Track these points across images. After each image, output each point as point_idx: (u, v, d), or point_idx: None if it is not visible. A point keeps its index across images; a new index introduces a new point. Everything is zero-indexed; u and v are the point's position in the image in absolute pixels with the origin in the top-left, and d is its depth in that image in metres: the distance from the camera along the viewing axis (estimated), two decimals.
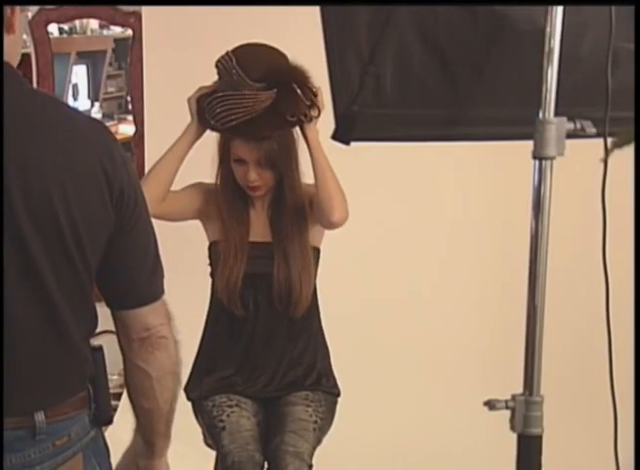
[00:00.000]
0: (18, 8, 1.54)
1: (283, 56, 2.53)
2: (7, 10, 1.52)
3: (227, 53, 2.51)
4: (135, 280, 1.69)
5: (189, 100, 2.60)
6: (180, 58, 3.87)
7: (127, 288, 1.70)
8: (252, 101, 2.46)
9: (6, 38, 1.54)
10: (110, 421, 1.72)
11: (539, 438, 1.84)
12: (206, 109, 2.53)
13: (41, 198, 1.49)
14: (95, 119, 1.67)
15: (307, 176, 2.67)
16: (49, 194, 1.49)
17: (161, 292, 1.73)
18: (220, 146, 2.67)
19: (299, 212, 2.66)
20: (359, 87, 2.00)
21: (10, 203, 1.47)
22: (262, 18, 3.66)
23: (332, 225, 2.57)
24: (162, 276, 1.74)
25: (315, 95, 2.50)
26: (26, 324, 1.53)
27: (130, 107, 4.72)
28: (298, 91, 2.46)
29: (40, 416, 1.57)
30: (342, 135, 2.21)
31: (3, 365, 1.52)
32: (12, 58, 1.56)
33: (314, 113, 2.51)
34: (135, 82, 4.31)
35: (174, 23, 3.82)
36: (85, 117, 1.63)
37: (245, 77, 2.46)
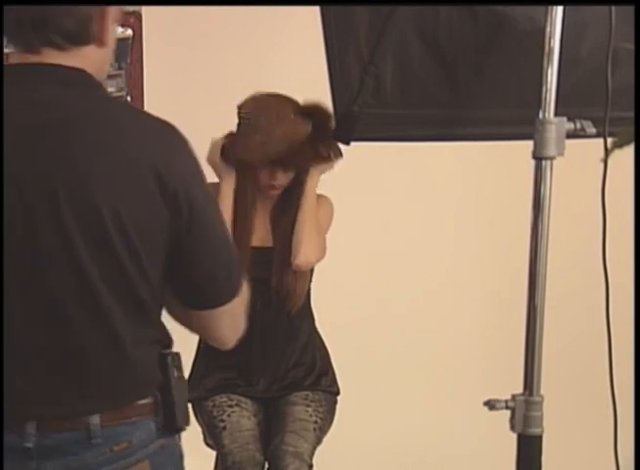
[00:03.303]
0: (109, 20, 1.58)
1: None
2: (95, 23, 1.55)
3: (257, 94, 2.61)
4: (204, 284, 1.64)
5: (211, 160, 2.62)
6: (180, 58, 3.87)
7: (195, 292, 1.65)
8: (292, 129, 2.54)
9: (94, 50, 1.57)
10: (177, 430, 1.66)
11: (539, 438, 1.84)
12: (238, 142, 2.57)
13: (88, 202, 1.49)
14: (161, 122, 1.60)
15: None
16: (96, 202, 1.49)
17: (229, 297, 1.66)
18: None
19: None
20: (359, 87, 2.00)
21: (57, 209, 1.48)
22: (262, 18, 3.66)
23: (295, 267, 2.62)
24: (232, 280, 1.66)
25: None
26: (77, 326, 1.52)
27: None
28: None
29: (95, 420, 1.54)
30: (342, 135, 2.21)
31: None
32: (97, 70, 1.59)
33: (337, 156, 2.60)
34: (135, 82, 4.31)
35: (174, 23, 3.82)
36: (150, 120, 1.59)
37: (284, 107, 2.55)
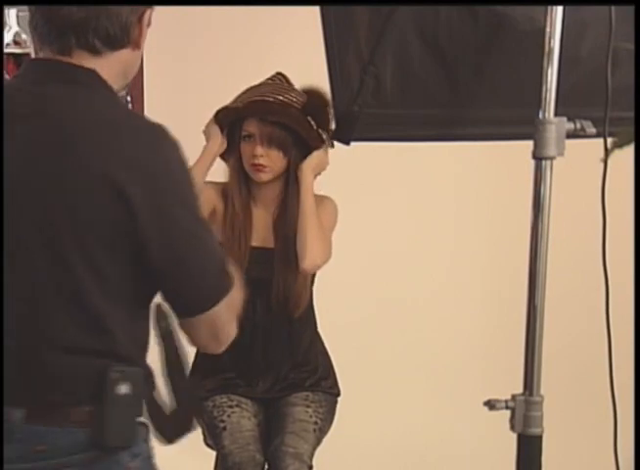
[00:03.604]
0: (145, 24, 1.63)
1: None
2: (134, 28, 1.61)
3: None
4: (173, 291, 1.61)
5: (207, 127, 2.63)
6: (180, 58, 3.87)
7: (169, 299, 1.62)
8: (284, 88, 2.56)
9: (128, 53, 1.63)
10: (109, 450, 1.58)
11: (539, 438, 1.84)
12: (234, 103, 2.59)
13: (43, 203, 1.51)
14: (146, 125, 1.59)
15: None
16: (51, 204, 1.51)
17: (204, 307, 1.61)
18: (231, 131, 2.65)
19: None
20: (359, 87, 2.00)
21: (18, 209, 1.51)
22: (262, 18, 3.67)
23: (302, 271, 2.59)
24: (206, 290, 1.61)
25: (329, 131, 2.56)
26: (22, 324, 1.53)
27: (130, 107, 4.71)
28: (329, 107, 2.50)
29: (18, 414, 1.54)
30: (342, 135, 2.21)
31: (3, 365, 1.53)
32: (127, 72, 1.66)
33: (327, 140, 2.57)
34: (135, 82, 4.31)
35: (174, 24, 3.82)
36: (133, 122, 1.60)
37: (284, 80, 2.60)
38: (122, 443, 1.60)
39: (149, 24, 1.66)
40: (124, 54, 1.63)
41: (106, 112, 1.58)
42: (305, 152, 2.59)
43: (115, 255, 1.54)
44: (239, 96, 2.63)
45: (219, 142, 2.62)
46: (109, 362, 1.57)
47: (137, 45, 1.64)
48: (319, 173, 2.64)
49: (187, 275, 1.59)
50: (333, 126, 2.48)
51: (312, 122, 2.55)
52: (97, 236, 1.53)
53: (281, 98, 2.55)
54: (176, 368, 1.71)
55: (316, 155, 2.59)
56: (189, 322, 1.63)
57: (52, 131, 1.53)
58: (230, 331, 1.69)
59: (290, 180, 2.64)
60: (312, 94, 2.56)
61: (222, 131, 2.62)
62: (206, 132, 2.64)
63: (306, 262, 2.55)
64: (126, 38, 1.61)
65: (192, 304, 1.61)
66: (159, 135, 1.58)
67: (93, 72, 1.59)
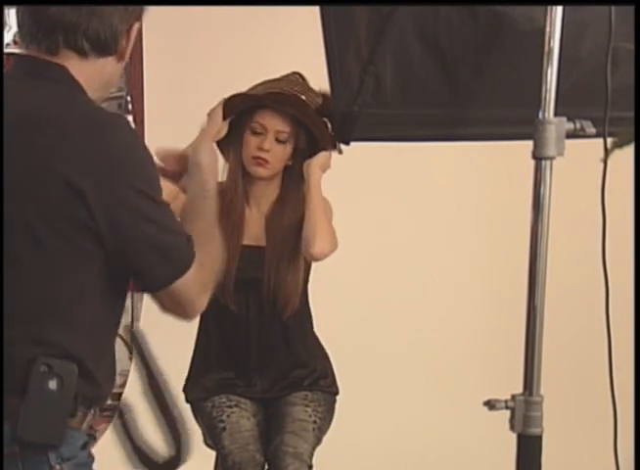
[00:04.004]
0: (132, 37, 1.67)
1: None
2: (123, 38, 1.65)
3: None
4: (128, 269, 1.63)
5: (212, 111, 2.56)
6: (180, 58, 3.87)
7: (134, 274, 1.65)
8: (300, 86, 2.56)
9: (111, 63, 1.67)
10: (26, 446, 1.54)
11: (539, 438, 1.84)
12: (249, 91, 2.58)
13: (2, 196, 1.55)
14: (102, 119, 1.61)
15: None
16: (7, 198, 1.55)
17: (158, 286, 1.63)
18: (236, 123, 2.63)
19: (298, 216, 2.64)
20: (359, 87, 2.00)
21: None
22: (262, 18, 3.67)
23: (310, 257, 2.59)
24: (164, 270, 1.61)
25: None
26: None
27: (130, 107, 4.71)
28: None
29: None
30: (342, 135, 2.21)
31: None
32: (107, 83, 1.70)
33: (337, 145, 2.56)
34: (135, 82, 4.31)
35: (174, 24, 3.82)
36: (90, 116, 1.60)
37: (301, 79, 2.59)
38: (41, 440, 1.56)
39: (135, 38, 1.68)
40: (109, 63, 1.66)
41: (62, 106, 1.60)
42: (311, 153, 2.59)
43: (66, 240, 1.56)
44: (253, 87, 2.60)
45: (218, 127, 2.59)
46: (39, 352, 1.55)
47: (122, 56, 1.68)
48: None
49: (137, 254, 1.61)
50: None
51: (328, 124, 2.55)
52: (46, 220, 1.55)
53: (299, 95, 2.55)
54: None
55: (323, 155, 2.58)
56: (155, 295, 1.67)
57: (9, 125, 1.55)
58: (198, 304, 1.69)
59: (293, 177, 2.63)
60: (330, 98, 2.55)
61: (225, 118, 2.60)
62: (210, 115, 2.60)
63: (315, 249, 2.54)
64: (114, 46, 1.64)
65: (145, 282, 1.64)
66: (106, 123, 1.60)
67: (62, 68, 1.61)
